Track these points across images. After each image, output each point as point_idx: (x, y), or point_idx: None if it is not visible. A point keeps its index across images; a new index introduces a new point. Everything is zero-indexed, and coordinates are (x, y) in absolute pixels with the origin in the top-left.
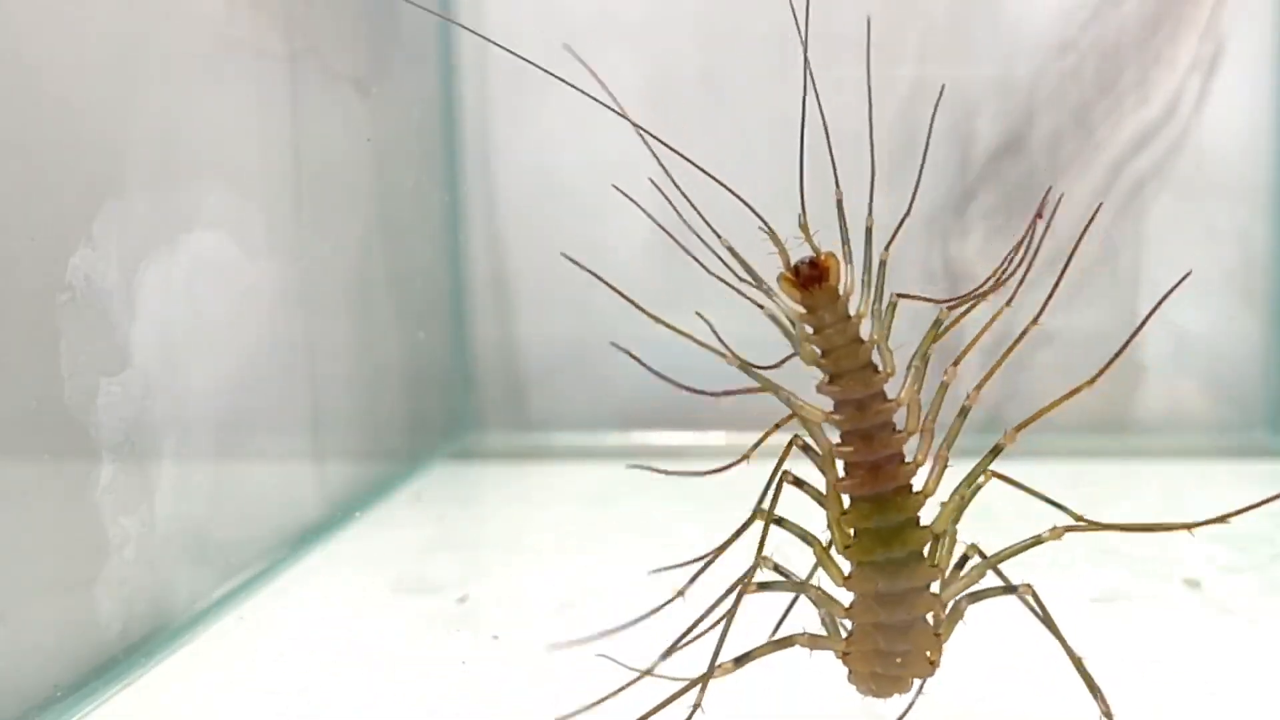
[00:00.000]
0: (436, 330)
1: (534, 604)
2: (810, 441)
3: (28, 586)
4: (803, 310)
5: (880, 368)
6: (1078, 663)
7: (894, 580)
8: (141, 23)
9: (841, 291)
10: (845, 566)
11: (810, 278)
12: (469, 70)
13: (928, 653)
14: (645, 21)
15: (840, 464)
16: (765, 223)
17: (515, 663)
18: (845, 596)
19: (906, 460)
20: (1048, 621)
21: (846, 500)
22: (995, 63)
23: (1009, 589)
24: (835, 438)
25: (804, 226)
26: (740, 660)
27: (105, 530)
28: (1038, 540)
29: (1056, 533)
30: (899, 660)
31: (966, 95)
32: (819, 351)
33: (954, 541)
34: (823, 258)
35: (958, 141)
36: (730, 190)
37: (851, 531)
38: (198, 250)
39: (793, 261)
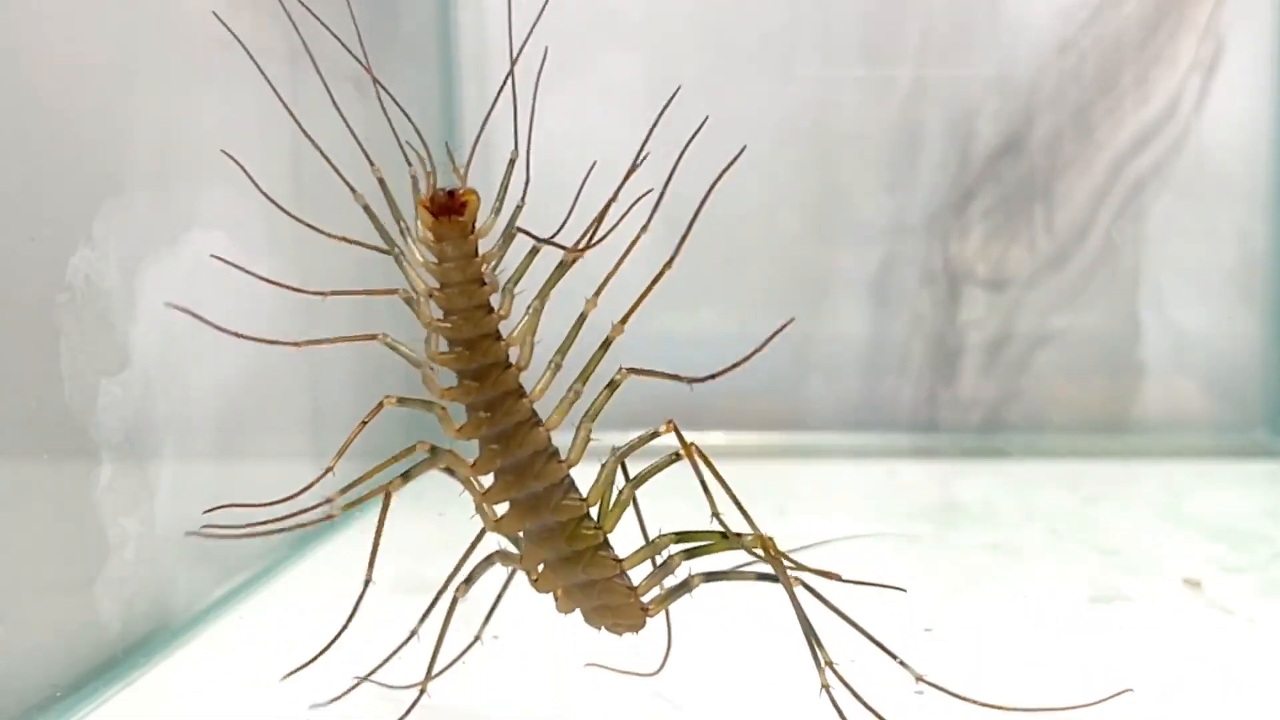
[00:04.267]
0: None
1: (534, 604)
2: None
3: (28, 586)
4: (430, 237)
5: (494, 309)
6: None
7: (524, 489)
8: (141, 23)
9: (476, 230)
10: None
11: (445, 207)
12: (469, 70)
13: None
14: (645, 20)
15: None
16: (424, 146)
17: (515, 663)
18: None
19: (525, 393)
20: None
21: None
22: (995, 63)
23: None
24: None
25: (457, 169)
26: (468, 583)
27: (105, 530)
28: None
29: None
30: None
31: (966, 95)
32: (437, 285)
33: (587, 438)
34: (462, 191)
35: (958, 141)
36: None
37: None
38: (198, 250)
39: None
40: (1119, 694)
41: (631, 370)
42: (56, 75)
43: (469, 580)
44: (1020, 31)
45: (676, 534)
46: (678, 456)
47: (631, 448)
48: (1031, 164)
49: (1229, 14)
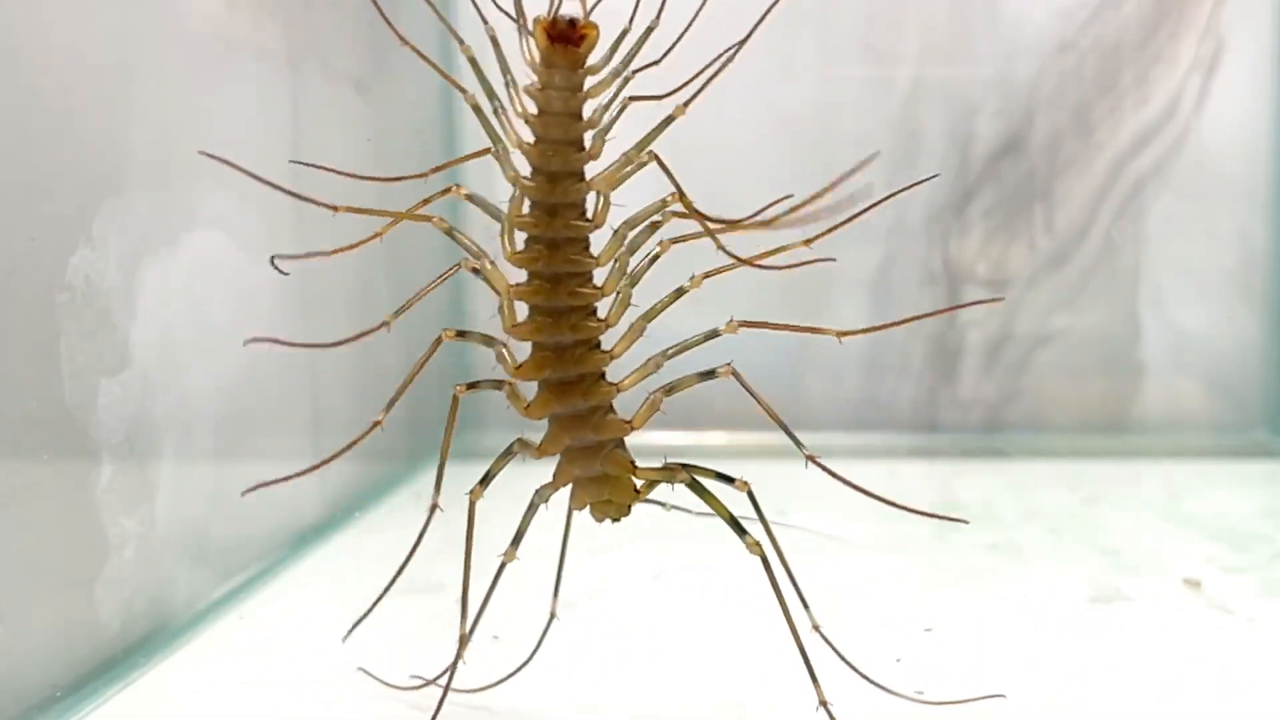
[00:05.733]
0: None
1: (534, 604)
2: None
3: (28, 586)
4: (540, 61)
5: (584, 148)
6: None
7: (554, 334)
8: (141, 23)
9: (587, 66)
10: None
11: (564, 34)
12: (469, 70)
13: (628, 476)
14: (644, 18)
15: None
16: None
17: (516, 663)
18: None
19: (589, 249)
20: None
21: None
22: (995, 63)
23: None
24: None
25: (583, 1)
26: (484, 481)
27: (105, 530)
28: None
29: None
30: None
31: (966, 95)
32: (535, 111)
33: (626, 302)
34: (585, 23)
35: (958, 141)
36: None
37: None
38: (198, 250)
39: (559, 17)
40: (990, 697)
41: (673, 240)
42: (56, 75)
43: (486, 480)
44: (1020, 31)
45: (665, 388)
46: (712, 374)
47: (685, 347)
48: (1031, 164)
49: (1229, 14)
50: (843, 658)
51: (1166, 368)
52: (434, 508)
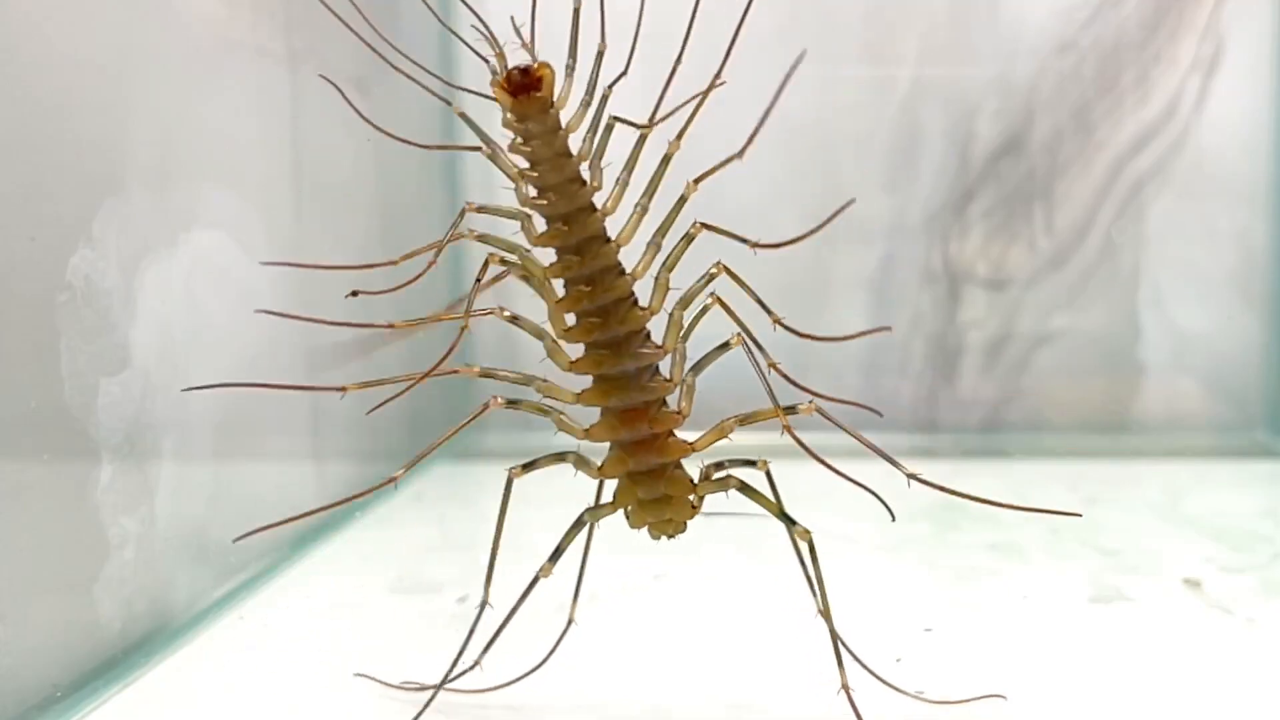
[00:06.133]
0: (437, 331)
1: (534, 604)
2: (517, 260)
3: (28, 586)
4: (513, 118)
5: (587, 182)
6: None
7: (617, 365)
8: (141, 23)
9: (555, 103)
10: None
11: (522, 85)
12: (469, 70)
13: (688, 495)
14: (645, 19)
15: (560, 285)
16: (484, 25)
17: (515, 663)
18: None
19: (625, 272)
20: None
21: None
22: (995, 63)
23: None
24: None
25: (526, 45)
26: (527, 467)
27: (105, 530)
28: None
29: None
30: (651, 482)
31: (966, 95)
32: (528, 165)
33: (683, 357)
34: (536, 66)
35: (958, 141)
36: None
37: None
38: (198, 250)
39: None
40: (990, 696)
41: (705, 225)
42: (56, 75)
43: (529, 466)
44: (1020, 31)
45: (739, 417)
46: (727, 346)
47: (701, 366)
48: (1031, 164)
49: (1229, 14)
50: (853, 655)
51: (1166, 368)
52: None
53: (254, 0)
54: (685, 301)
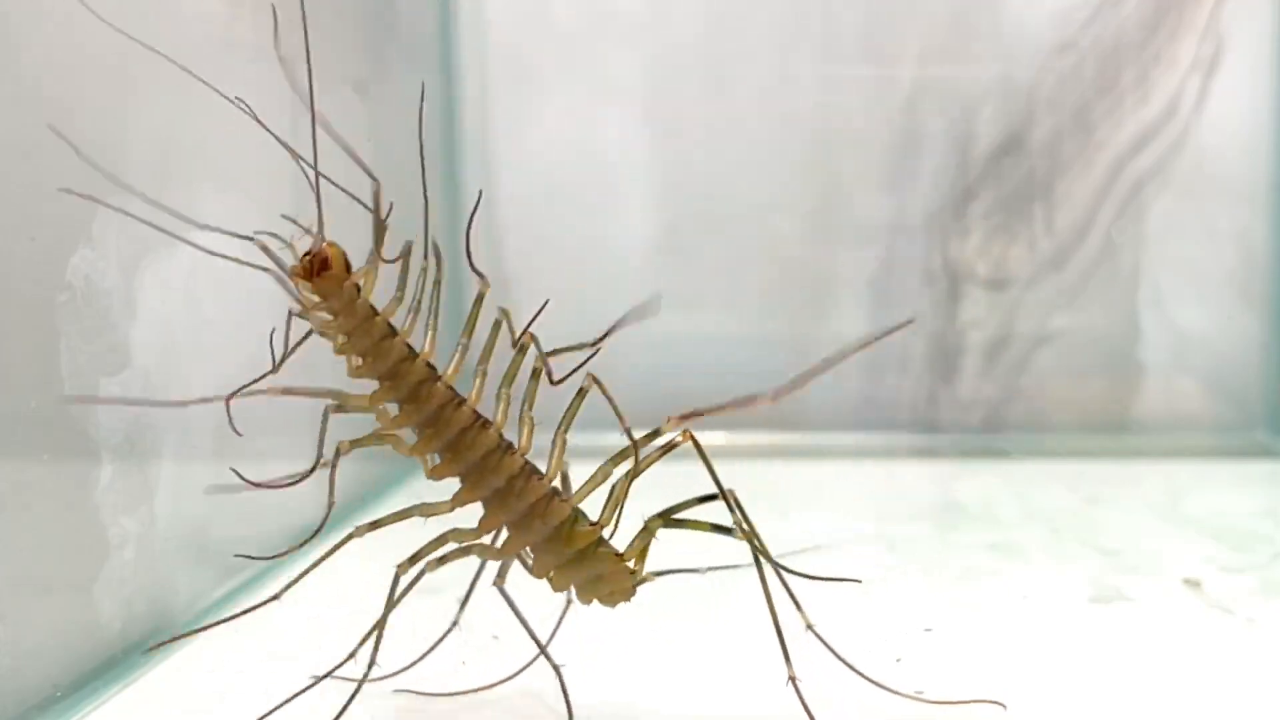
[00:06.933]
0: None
1: (533, 604)
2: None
3: (28, 586)
4: (317, 300)
5: (399, 330)
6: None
7: (487, 485)
8: (141, 23)
9: (352, 274)
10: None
11: (314, 269)
12: (469, 70)
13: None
14: (645, 19)
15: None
16: (260, 239)
17: (515, 663)
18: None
19: (463, 401)
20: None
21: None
22: (995, 63)
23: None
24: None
25: (304, 227)
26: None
27: (105, 530)
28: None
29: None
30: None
31: (966, 95)
32: (344, 338)
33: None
34: (322, 248)
35: (958, 141)
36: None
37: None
38: (198, 250)
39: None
40: (988, 702)
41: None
42: (57, 76)
43: (415, 559)
44: (1020, 31)
45: (663, 516)
46: (583, 392)
47: (644, 465)
48: (1031, 164)
49: (1229, 14)
50: (840, 657)
51: (1166, 368)
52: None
53: (254, 0)
54: (509, 379)
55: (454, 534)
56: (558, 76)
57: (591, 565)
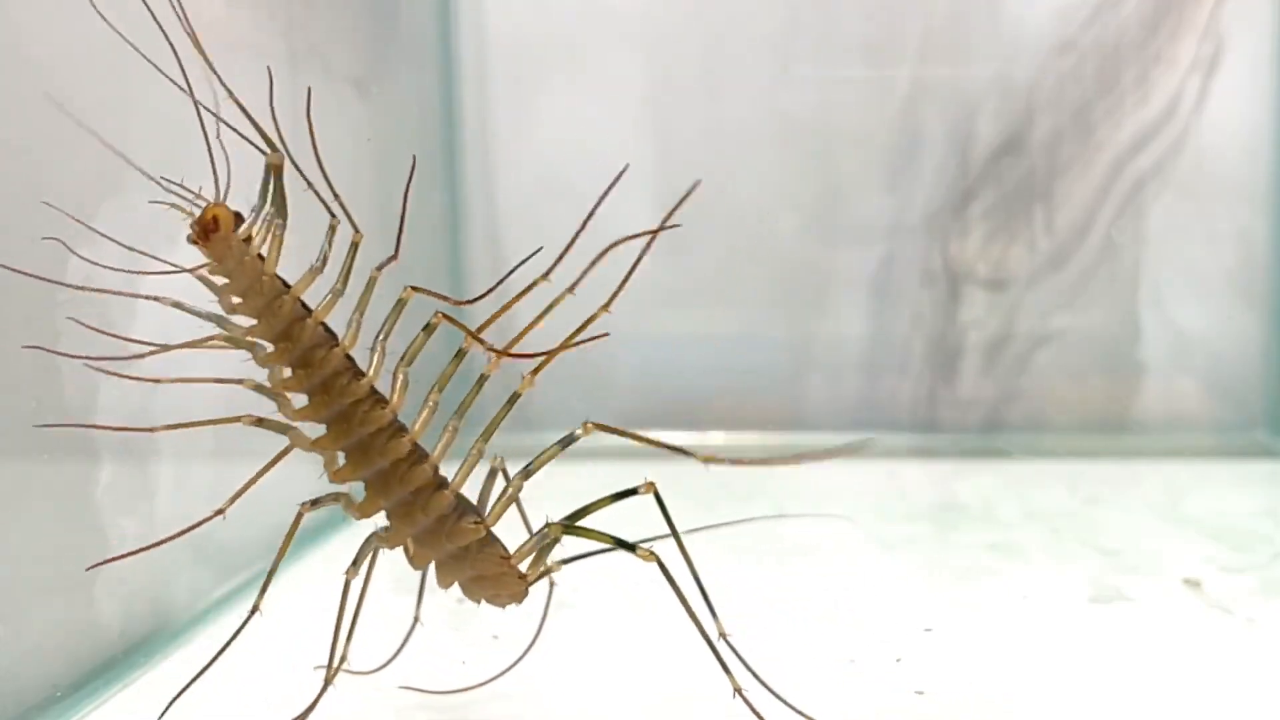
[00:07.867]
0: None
1: (533, 604)
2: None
3: (28, 586)
4: (215, 264)
5: (289, 287)
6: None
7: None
8: (141, 23)
9: (253, 240)
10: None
11: (201, 234)
12: (469, 70)
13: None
14: (645, 19)
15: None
16: (172, 184)
17: (512, 662)
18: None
19: (361, 374)
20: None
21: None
22: (995, 63)
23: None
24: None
25: (194, 192)
26: (355, 565)
27: (105, 530)
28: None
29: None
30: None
31: (966, 95)
32: (238, 300)
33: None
34: (210, 210)
35: (958, 141)
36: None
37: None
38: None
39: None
40: None
41: (415, 289)
42: (57, 75)
43: (356, 563)
44: (1020, 31)
45: (565, 522)
46: (484, 378)
47: (541, 461)
48: (1031, 164)
49: (1229, 14)
50: (751, 670)
51: (1166, 368)
52: (254, 610)
53: (254, 0)
54: (409, 358)
55: (375, 534)
56: (558, 76)
57: (474, 564)
